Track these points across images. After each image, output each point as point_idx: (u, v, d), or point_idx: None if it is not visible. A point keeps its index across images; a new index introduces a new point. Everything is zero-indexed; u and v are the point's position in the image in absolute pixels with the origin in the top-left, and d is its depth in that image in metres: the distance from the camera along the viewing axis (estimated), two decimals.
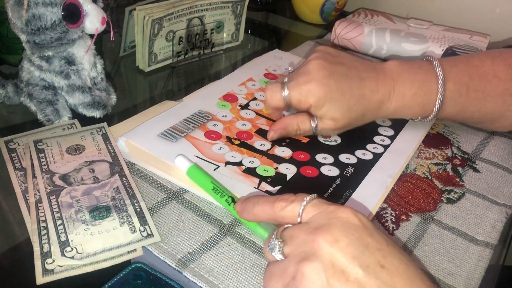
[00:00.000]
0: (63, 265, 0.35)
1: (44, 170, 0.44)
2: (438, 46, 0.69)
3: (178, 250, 0.38)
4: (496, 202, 0.47)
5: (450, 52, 0.68)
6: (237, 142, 0.50)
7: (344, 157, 0.50)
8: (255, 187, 0.44)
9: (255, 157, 0.48)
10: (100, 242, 0.37)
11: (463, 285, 0.38)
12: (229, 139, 0.51)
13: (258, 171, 0.46)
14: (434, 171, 0.50)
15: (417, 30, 0.74)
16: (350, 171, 0.48)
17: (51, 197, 0.41)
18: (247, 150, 0.49)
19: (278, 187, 0.44)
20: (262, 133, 0.52)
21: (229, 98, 0.58)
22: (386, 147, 0.52)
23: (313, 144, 0.52)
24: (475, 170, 0.51)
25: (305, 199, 0.34)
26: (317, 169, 0.48)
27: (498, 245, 0.43)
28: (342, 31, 0.75)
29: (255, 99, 0.59)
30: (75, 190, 0.42)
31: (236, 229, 0.41)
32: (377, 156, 0.51)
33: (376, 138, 0.54)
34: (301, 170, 0.47)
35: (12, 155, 0.46)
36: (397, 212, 0.44)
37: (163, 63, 0.66)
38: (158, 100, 0.58)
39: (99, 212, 0.40)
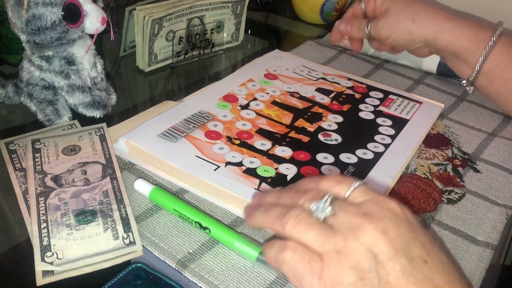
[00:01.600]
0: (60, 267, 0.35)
1: (37, 170, 0.44)
2: None
3: (178, 250, 0.38)
4: (496, 202, 0.47)
5: None
6: (238, 142, 0.50)
7: (345, 157, 0.50)
8: (255, 188, 0.44)
9: (255, 157, 0.48)
10: (81, 248, 0.37)
11: None
12: (229, 139, 0.50)
13: (259, 171, 0.46)
14: (435, 171, 0.50)
15: None
16: (351, 171, 0.48)
17: (39, 199, 0.41)
18: (248, 150, 0.49)
19: (278, 188, 0.44)
20: (262, 132, 0.52)
21: (230, 98, 0.58)
22: (387, 146, 0.52)
23: (314, 143, 0.52)
24: (476, 170, 0.51)
25: (353, 184, 0.33)
26: (317, 169, 0.48)
27: (499, 246, 0.43)
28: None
29: (255, 99, 0.58)
30: (65, 192, 0.42)
31: (236, 229, 0.41)
32: (378, 156, 0.51)
33: (377, 137, 0.54)
34: (301, 170, 0.47)
35: (12, 156, 0.46)
36: None
37: (163, 63, 0.66)
38: (158, 100, 0.58)
39: (84, 216, 0.39)
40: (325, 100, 0.60)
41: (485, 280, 0.39)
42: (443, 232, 0.43)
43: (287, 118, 0.55)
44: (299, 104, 0.58)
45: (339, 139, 0.53)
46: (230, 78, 0.62)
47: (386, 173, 0.48)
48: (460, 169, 0.51)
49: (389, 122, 0.57)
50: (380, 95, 0.62)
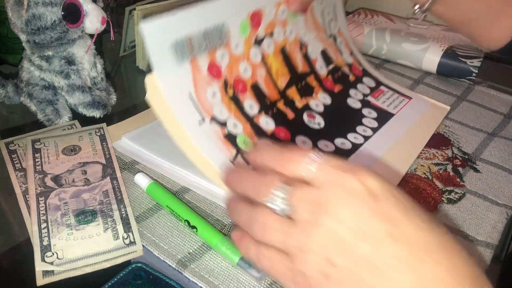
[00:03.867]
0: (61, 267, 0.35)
1: (37, 170, 0.44)
2: (438, 46, 0.69)
3: (178, 250, 0.38)
4: (496, 202, 0.47)
5: (450, 52, 0.68)
6: (231, 92, 0.47)
7: (323, 144, 0.50)
8: (230, 160, 0.43)
9: (240, 120, 0.47)
10: (81, 248, 0.37)
11: None
12: (225, 85, 0.47)
13: (238, 141, 0.45)
14: (435, 171, 0.50)
15: (417, 30, 0.74)
16: None
17: (39, 199, 0.41)
18: (235, 108, 0.47)
19: (247, 167, 0.40)
20: (256, 90, 0.50)
21: (255, 20, 0.50)
22: (366, 138, 0.52)
23: (297, 123, 0.51)
24: (476, 170, 0.51)
25: (312, 164, 0.29)
26: None
27: (499, 245, 0.43)
28: None
29: (271, 35, 0.52)
30: (65, 192, 0.42)
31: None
32: (356, 147, 0.50)
33: (359, 128, 0.53)
34: None
35: (12, 156, 0.46)
36: None
37: None
38: None
39: (84, 216, 0.39)
40: (323, 71, 0.59)
41: None
42: None
43: (283, 79, 0.53)
44: (300, 65, 0.57)
45: (322, 124, 0.52)
46: None
47: (361, 163, 0.46)
48: (460, 169, 0.51)
49: (374, 114, 0.57)
50: (372, 84, 0.62)
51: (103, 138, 0.49)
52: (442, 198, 0.47)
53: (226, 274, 0.36)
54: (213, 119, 0.45)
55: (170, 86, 0.42)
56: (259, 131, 0.47)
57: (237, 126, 0.46)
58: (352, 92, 0.59)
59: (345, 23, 0.67)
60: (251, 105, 0.49)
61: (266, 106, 0.50)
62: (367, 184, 0.28)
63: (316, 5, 0.60)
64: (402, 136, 0.54)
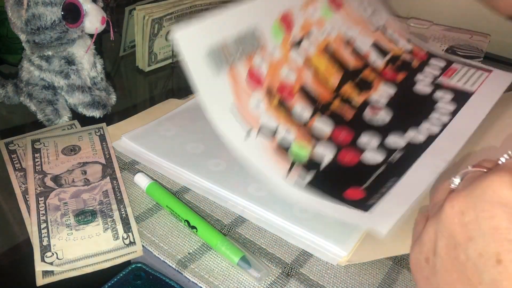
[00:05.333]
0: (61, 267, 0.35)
1: (37, 170, 0.44)
2: (439, 46, 0.69)
3: (178, 250, 0.38)
4: None
5: (450, 52, 0.68)
6: (276, 100, 0.44)
7: (392, 140, 0.44)
8: (283, 176, 0.40)
9: (291, 126, 0.43)
10: (81, 248, 0.37)
11: None
12: (269, 92, 0.44)
13: (291, 152, 0.41)
14: None
15: (417, 30, 0.74)
16: (397, 157, 0.43)
17: (39, 199, 0.41)
18: (284, 115, 0.43)
19: (309, 177, 0.40)
20: (305, 93, 0.46)
21: (286, 21, 0.47)
22: (444, 125, 0.46)
23: (358, 122, 0.46)
24: None
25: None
26: (357, 156, 0.43)
27: None
28: None
29: (309, 35, 0.49)
30: (65, 192, 0.42)
31: (236, 229, 0.41)
32: (431, 138, 0.45)
33: (433, 116, 0.47)
34: (339, 156, 0.42)
35: (12, 156, 0.46)
36: None
37: (163, 63, 0.66)
38: (158, 100, 0.58)
39: (84, 216, 0.39)
40: (379, 62, 0.53)
41: None
42: None
43: (334, 78, 0.49)
44: (351, 61, 0.52)
45: (387, 118, 0.47)
46: None
47: (439, 157, 0.42)
48: None
49: (449, 96, 0.50)
50: (442, 64, 0.56)
51: (103, 138, 0.49)
52: None
53: (226, 274, 0.36)
54: (261, 130, 0.41)
55: (210, 101, 0.39)
56: (316, 135, 0.44)
57: (290, 133, 0.42)
58: (419, 77, 0.53)
59: (390, 14, 0.61)
60: (302, 109, 0.45)
61: (320, 107, 0.46)
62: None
63: (351, 0, 0.56)
64: (488, 115, 0.47)
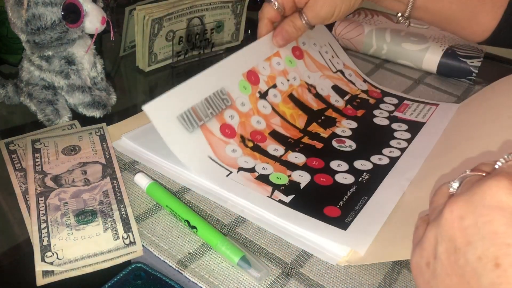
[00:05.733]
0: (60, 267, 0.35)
1: (37, 170, 0.44)
2: (438, 46, 0.69)
3: (178, 250, 0.38)
4: None
5: (450, 52, 0.68)
6: (251, 144, 0.49)
7: (359, 164, 0.49)
8: (268, 196, 0.43)
9: (268, 163, 0.47)
10: (81, 248, 0.37)
11: None
12: (242, 140, 0.49)
13: (272, 178, 0.45)
14: None
15: (417, 30, 0.74)
16: (365, 178, 0.47)
17: (39, 199, 0.41)
18: (260, 155, 0.48)
19: (291, 196, 0.43)
20: (275, 135, 0.51)
21: (252, 77, 0.53)
22: (403, 150, 0.51)
23: (328, 150, 0.51)
24: None
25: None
26: (331, 177, 0.47)
27: None
28: (342, 31, 0.75)
29: (275, 86, 0.55)
30: (65, 192, 0.42)
31: (236, 229, 0.41)
32: (393, 160, 0.49)
33: (393, 142, 0.53)
34: (315, 178, 0.46)
35: (12, 156, 0.46)
36: None
37: (163, 63, 0.66)
38: None
39: (84, 216, 0.39)
40: (340, 103, 0.59)
41: None
42: None
43: (300, 120, 0.54)
44: (314, 104, 0.57)
45: (354, 146, 0.52)
46: (258, 46, 0.55)
47: (403, 176, 0.47)
48: None
49: (404, 126, 0.56)
50: (395, 101, 0.62)
51: (103, 138, 0.49)
52: None
53: (226, 274, 0.36)
54: (240, 169, 0.46)
55: (186, 154, 0.44)
56: (290, 166, 0.48)
57: (267, 168, 0.47)
58: (376, 112, 0.59)
59: (347, 57, 0.67)
60: (275, 148, 0.50)
61: (291, 145, 0.51)
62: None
63: (310, 48, 0.63)
64: (439, 140, 0.53)
